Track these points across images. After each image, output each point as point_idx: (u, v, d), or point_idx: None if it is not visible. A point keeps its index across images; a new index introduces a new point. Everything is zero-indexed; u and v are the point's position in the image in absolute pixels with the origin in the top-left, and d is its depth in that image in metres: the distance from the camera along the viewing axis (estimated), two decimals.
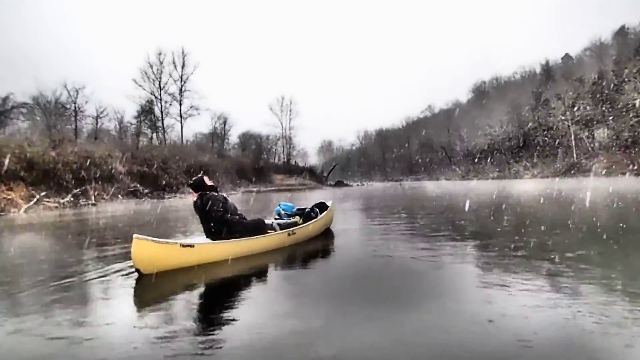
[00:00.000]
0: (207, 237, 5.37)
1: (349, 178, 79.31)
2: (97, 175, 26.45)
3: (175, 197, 30.08)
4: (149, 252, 4.43)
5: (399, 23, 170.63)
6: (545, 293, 3.36)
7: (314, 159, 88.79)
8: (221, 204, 5.33)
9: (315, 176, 61.74)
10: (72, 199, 22.77)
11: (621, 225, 6.62)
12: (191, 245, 4.76)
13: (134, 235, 4.40)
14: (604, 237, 5.58)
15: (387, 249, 5.35)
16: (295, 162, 65.30)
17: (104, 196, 25.55)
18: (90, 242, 7.15)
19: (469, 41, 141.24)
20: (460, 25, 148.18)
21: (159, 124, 48.45)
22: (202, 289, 4.05)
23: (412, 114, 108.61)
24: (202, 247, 4.89)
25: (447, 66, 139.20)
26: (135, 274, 4.44)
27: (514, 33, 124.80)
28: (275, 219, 6.57)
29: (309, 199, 19.93)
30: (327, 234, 7.02)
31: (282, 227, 6.05)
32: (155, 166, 32.80)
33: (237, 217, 5.48)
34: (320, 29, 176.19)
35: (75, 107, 40.22)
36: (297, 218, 6.54)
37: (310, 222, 6.47)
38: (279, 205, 6.85)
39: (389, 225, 7.85)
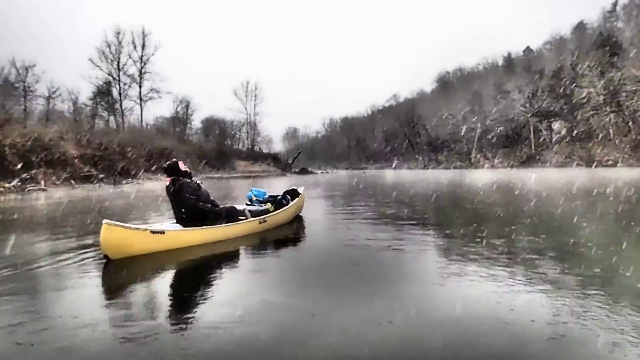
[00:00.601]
0: (177, 222, 5.36)
1: (313, 166, 79.48)
2: (48, 159, 25.30)
3: (133, 182, 29.13)
4: (119, 237, 4.38)
5: (366, 11, 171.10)
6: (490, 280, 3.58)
7: (278, 146, 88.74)
8: (194, 191, 5.32)
9: (280, 163, 61.59)
10: (19, 183, 21.54)
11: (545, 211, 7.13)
12: (162, 232, 4.74)
13: (104, 221, 4.34)
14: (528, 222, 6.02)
15: (354, 236, 5.48)
16: (260, 148, 65.03)
17: (55, 181, 24.44)
18: (40, 229, 6.92)
19: (436, 32, 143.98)
20: (427, 16, 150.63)
21: (117, 106, 46.82)
22: (171, 275, 4.06)
23: (377, 102, 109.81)
24: (173, 234, 4.87)
25: (414, 56, 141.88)
26: (101, 261, 4.38)
27: (479, 24, 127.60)
28: (247, 204, 6.61)
29: (272, 186, 19.97)
30: (297, 221, 7.12)
31: (253, 214, 6.09)
32: (111, 150, 31.64)
33: (210, 205, 5.48)
34: (288, 14, 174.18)
35: (24, 86, 38.08)
36: (268, 205, 6.59)
37: (281, 209, 6.55)
38: (251, 190, 6.86)
39: (354, 213, 8.04)
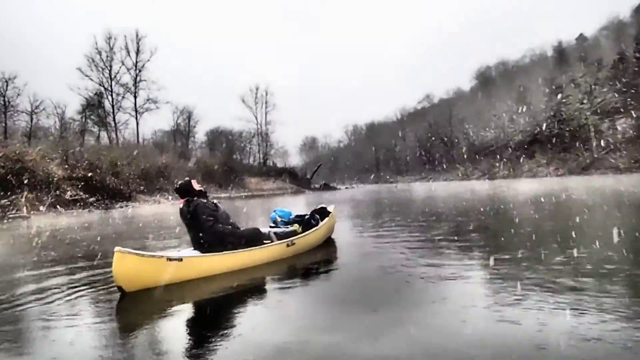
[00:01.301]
0: (195, 249, 5.49)
1: (336, 180, 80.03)
2: (31, 182, 25.54)
3: (127, 206, 29.67)
4: (133, 267, 4.51)
5: (390, 2, 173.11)
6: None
7: (295, 159, 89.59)
8: (211, 212, 5.47)
9: (297, 179, 62.31)
10: None
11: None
12: (179, 259, 4.87)
13: (116, 249, 4.51)
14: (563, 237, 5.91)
15: (393, 263, 5.46)
16: (273, 162, 65.95)
17: (39, 207, 24.69)
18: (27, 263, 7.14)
19: (472, 21, 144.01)
20: (462, 4, 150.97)
21: (109, 119, 48.07)
22: (190, 311, 4.14)
23: (408, 104, 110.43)
24: (191, 261, 5.00)
25: (448, 50, 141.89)
26: (113, 294, 4.52)
27: (523, 10, 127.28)
28: (271, 227, 6.73)
29: (290, 206, 20.11)
30: (328, 244, 7.19)
31: (279, 236, 6.20)
32: (103, 170, 32.16)
33: (230, 226, 5.62)
34: (300, 9, 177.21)
35: (4, 100, 39.24)
36: (295, 226, 6.71)
37: (310, 230, 6.65)
38: (274, 211, 7.00)
39: (390, 234, 8.05)
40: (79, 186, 29.15)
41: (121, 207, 29.05)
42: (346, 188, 62.45)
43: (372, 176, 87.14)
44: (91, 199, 28.65)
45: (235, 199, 37.89)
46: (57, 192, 27.14)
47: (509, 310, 3.42)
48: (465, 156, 68.62)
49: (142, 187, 35.36)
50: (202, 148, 61.05)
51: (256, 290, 4.67)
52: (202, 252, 5.33)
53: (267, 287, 4.80)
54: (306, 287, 4.72)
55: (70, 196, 27.70)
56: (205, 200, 5.58)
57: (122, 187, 32.52)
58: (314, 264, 5.84)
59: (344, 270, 5.40)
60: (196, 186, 5.63)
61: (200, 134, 61.58)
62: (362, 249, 6.61)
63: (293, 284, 4.85)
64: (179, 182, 5.68)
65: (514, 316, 3.29)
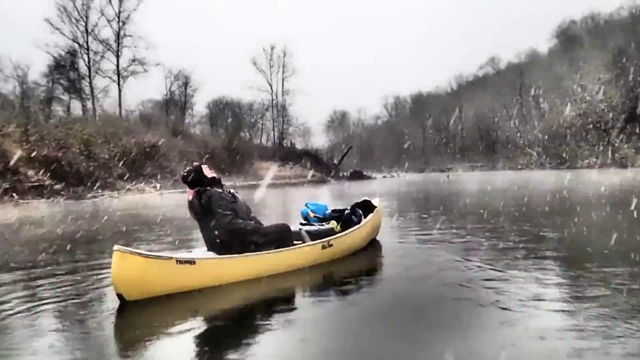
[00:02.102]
0: (209, 250, 5.67)
1: (371, 166, 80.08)
2: None
3: (104, 196, 29.91)
4: (136, 269, 4.67)
5: None
6: None
7: (319, 140, 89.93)
8: (229, 204, 5.65)
9: (321, 165, 63.00)
10: None
11: None
12: (191, 262, 5.02)
13: (115, 247, 4.67)
14: None
15: (455, 276, 5.41)
16: (292, 143, 66.99)
17: None
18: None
19: None
20: None
21: (84, 85, 48.47)
22: (205, 324, 4.27)
23: (466, 71, 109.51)
24: (205, 265, 5.16)
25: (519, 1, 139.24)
26: (115, 301, 4.70)
27: None
28: (302, 224, 6.88)
29: (311, 199, 20.24)
30: (373, 247, 7.30)
31: (312, 235, 6.35)
32: (74, 150, 32.26)
33: (252, 222, 5.78)
34: None
35: None
36: (333, 223, 6.84)
37: (351, 229, 6.76)
38: (306, 205, 7.17)
39: (449, 239, 8.07)
40: (43, 170, 28.77)
41: (96, 197, 29.20)
42: (384, 177, 62.40)
43: (418, 162, 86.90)
44: (58, 187, 28.48)
45: (241, 189, 38.30)
46: (15, 177, 26.84)
47: (594, 340, 3.41)
48: (539, 138, 67.66)
49: (123, 172, 35.67)
50: (202, 123, 61.95)
51: (283, 303, 4.76)
52: (219, 253, 5.50)
53: (297, 300, 4.93)
54: (345, 302, 4.79)
55: (32, 183, 27.47)
56: (220, 190, 5.75)
57: (97, 172, 32.59)
58: (355, 272, 5.95)
59: (392, 284, 5.43)
60: (208, 173, 5.82)
61: (199, 106, 62.38)
62: (414, 258, 6.62)
63: (328, 298, 4.97)
64: (187, 169, 5.89)
65: (601, 347, 3.29)
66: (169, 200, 26.77)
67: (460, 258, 6.36)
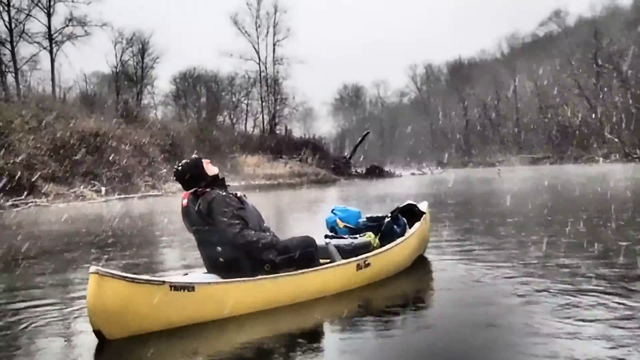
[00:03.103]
0: (209, 272, 5.81)
1: (395, 160, 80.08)
2: None
3: (28, 204, 29.26)
4: (119, 299, 4.74)
5: None
6: None
7: (325, 125, 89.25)
8: (236, 211, 5.73)
9: (328, 158, 63.07)
10: None
11: None
12: (189, 288, 5.11)
13: (92, 269, 4.73)
14: None
15: (531, 310, 5.35)
16: (287, 130, 66.84)
17: None
18: None
19: None
20: None
21: (4, 52, 48.05)
22: None
23: (522, 30, 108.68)
24: (207, 291, 5.26)
25: None
26: (91, 341, 4.82)
27: None
28: (328, 236, 7.00)
29: (313, 204, 20.29)
30: (420, 266, 7.46)
31: (344, 252, 6.47)
32: None
33: (267, 234, 5.90)
34: None
35: None
36: (369, 235, 6.96)
37: (393, 243, 6.88)
38: (333, 211, 7.30)
39: (518, 258, 8.14)
40: None
41: (16, 205, 28.32)
42: (412, 174, 62.46)
43: (457, 154, 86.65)
44: None
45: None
46: None
47: None
48: (622, 119, 66.99)
49: (55, 172, 34.77)
50: (165, 104, 61.84)
51: (308, 342, 4.85)
52: (224, 277, 5.62)
53: (325, 338, 5.05)
54: (385, 341, 4.79)
55: None
56: (224, 193, 5.85)
57: (18, 172, 31.21)
58: (398, 301, 6.09)
59: (446, 318, 5.40)
60: (210, 169, 5.96)
61: (162, 81, 62.35)
62: (474, 283, 6.61)
63: (364, 335, 4.96)
64: (183, 162, 6.01)
65: None
66: (119, 208, 26.71)
67: (534, 288, 6.24)
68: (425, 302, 6.22)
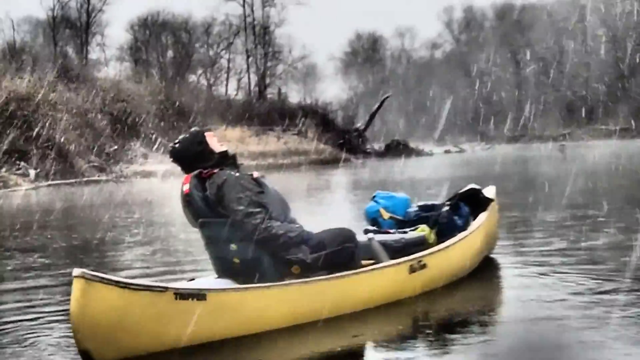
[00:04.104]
0: (220, 277, 5.97)
1: (424, 134, 79.92)
2: None
3: None
4: (111, 309, 4.86)
5: None
6: None
7: (332, 87, 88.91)
8: (254, 197, 5.80)
9: (334, 130, 63.62)
10: None
11: None
12: (199, 296, 5.22)
13: (76, 272, 4.83)
14: None
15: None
16: (282, 93, 67.26)
17: None
18: None
19: None
20: None
21: None
22: None
23: None
24: (223, 300, 5.37)
25: None
26: None
27: None
28: (369, 231, 7.10)
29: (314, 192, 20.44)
30: (488, 271, 7.60)
31: (391, 250, 6.58)
32: None
33: (295, 225, 6.04)
34: None
35: None
36: (423, 229, 7.06)
37: (454, 239, 6.99)
38: (375, 198, 7.43)
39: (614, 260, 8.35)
40: None
41: None
42: (447, 152, 62.55)
43: (507, 127, 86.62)
44: None
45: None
46: None
47: None
48: None
49: None
50: (120, 60, 61.72)
51: None
52: (240, 281, 5.74)
53: None
54: None
55: None
56: (237, 173, 5.95)
57: None
58: (462, 317, 6.14)
59: (523, 350, 5.43)
60: (216, 145, 6.10)
61: (116, 29, 62.18)
62: (556, 293, 6.76)
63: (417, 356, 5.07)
64: (180, 137, 6.17)
65: None
66: (56, 196, 27.25)
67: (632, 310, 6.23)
68: (495, 320, 6.24)
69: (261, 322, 5.52)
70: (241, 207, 5.72)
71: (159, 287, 5.21)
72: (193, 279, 6.26)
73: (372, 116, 68.79)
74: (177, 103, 53.79)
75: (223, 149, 6.13)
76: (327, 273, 5.93)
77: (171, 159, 6.20)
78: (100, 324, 4.85)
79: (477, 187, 8.20)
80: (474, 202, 7.84)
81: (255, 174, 6.15)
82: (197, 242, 6.56)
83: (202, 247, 6.22)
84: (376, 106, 69.99)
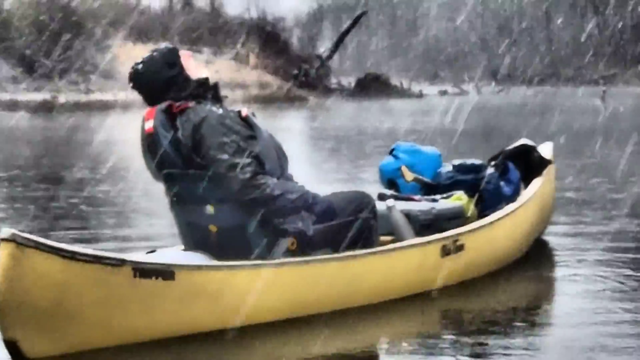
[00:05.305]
0: (189, 248, 6.08)
1: (409, 69, 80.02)
2: None
3: None
4: (49, 286, 4.93)
5: None
6: None
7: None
8: (243, 141, 5.84)
9: (288, 56, 63.84)
10: None
11: None
12: (166, 273, 5.31)
13: (4, 232, 4.82)
14: None
15: None
16: (214, 1, 65.44)
17: None
18: None
19: None
20: None
21: None
22: None
23: None
24: (195, 280, 5.45)
25: None
26: None
27: None
28: (385, 197, 7.17)
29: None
30: (538, 255, 7.76)
31: (417, 222, 6.76)
32: None
33: (298, 186, 6.16)
34: None
35: None
36: (460, 197, 7.19)
37: (502, 212, 7.12)
38: (393, 151, 7.57)
39: None
40: None
41: None
42: (442, 94, 62.74)
43: (528, 62, 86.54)
44: None
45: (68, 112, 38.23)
46: None
47: None
48: None
49: None
50: None
51: None
52: (216, 256, 5.83)
53: None
54: None
55: None
56: (219, 109, 6.00)
57: None
58: (508, 318, 6.24)
59: (579, 347, 5.59)
60: (193, 68, 6.21)
61: None
62: (629, 298, 6.99)
63: None
64: (145, 57, 6.16)
65: None
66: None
67: None
68: (545, 322, 6.37)
69: (245, 313, 5.54)
70: (225, 156, 5.73)
71: (114, 259, 5.20)
72: (153, 251, 6.23)
73: (341, 39, 68.10)
74: (64, 11, 53.24)
75: (203, 75, 6.14)
76: (332, 251, 6.04)
77: (130, 85, 6.11)
78: (33, 306, 4.87)
79: (530, 143, 8.28)
80: (524, 164, 7.94)
81: (244, 111, 6.12)
82: (160, 200, 6.60)
83: (166, 208, 6.27)
84: (347, 25, 69.56)
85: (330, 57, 65.26)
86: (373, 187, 8.15)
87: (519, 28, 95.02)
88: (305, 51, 64.85)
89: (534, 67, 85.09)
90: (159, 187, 6.24)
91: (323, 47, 67.53)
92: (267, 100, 50.82)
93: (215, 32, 60.79)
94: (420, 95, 58.91)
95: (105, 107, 41.71)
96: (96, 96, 48.01)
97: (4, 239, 4.74)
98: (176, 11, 62.46)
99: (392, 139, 21.58)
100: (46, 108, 42.04)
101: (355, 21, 68.78)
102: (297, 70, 60.64)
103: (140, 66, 6.04)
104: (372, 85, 59.54)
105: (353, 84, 60.68)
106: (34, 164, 16.90)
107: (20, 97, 45.05)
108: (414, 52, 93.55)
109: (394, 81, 63.83)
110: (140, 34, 58.18)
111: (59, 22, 51.89)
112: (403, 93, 59.57)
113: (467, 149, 14.85)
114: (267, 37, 62.69)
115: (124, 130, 25.50)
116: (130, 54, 56.00)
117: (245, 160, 5.76)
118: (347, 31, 68.10)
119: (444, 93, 66.34)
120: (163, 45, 6.29)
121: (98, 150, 15.55)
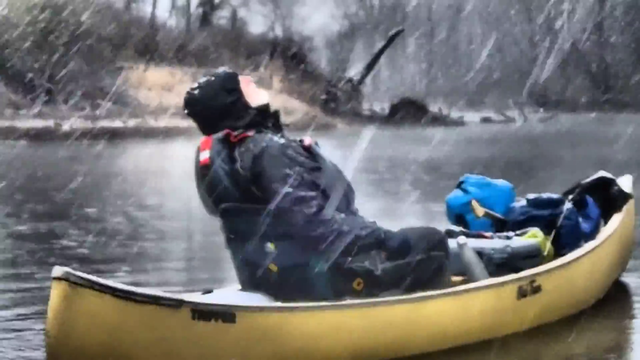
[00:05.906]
0: (246, 288, 6.20)
1: (449, 94, 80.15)
2: None
3: None
4: (103, 324, 4.97)
5: None
6: None
7: (316, 15, 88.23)
8: (306, 175, 5.92)
9: (315, 79, 63.81)
10: None
11: None
12: (227, 316, 5.41)
13: (56, 271, 4.96)
14: None
15: None
16: (237, 18, 65.37)
17: None
18: None
19: None
20: None
21: None
22: None
23: None
24: (258, 322, 5.55)
25: None
26: None
27: None
28: (454, 233, 7.25)
29: None
30: (617, 298, 7.83)
31: (490, 261, 6.84)
32: None
33: (369, 221, 6.22)
34: None
35: None
36: (536, 234, 7.24)
37: (581, 251, 7.13)
38: (462, 184, 7.66)
39: None
40: None
41: None
42: (484, 121, 62.82)
43: (581, 86, 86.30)
44: None
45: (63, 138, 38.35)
46: None
47: None
48: None
49: None
50: None
51: None
52: (276, 297, 5.94)
53: None
54: None
55: None
56: (281, 139, 6.10)
57: None
58: None
59: None
60: (254, 95, 6.32)
61: None
62: None
63: None
64: (202, 82, 6.33)
65: None
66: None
67: None
68: None
69: (308, 357, 5.69)
70: (288, 189, 5.77)
71: (172, 300, 5.32)
72: (210, 291, 6.30)
73: (374, 61, 68.19)
74: (72, 29, 53.54)
75: (263, 101, 6.21)
76: (401, 292, 6.10)
77: (186, 111, 6.27)
78: (86, 349, 4.98)
79: (608, 175, 8.29)
80: (602, 198, 7.98)
81: (307, 140, 6.21)
82: (216, 236, 6.64)
83: (222, 245, 6.31)
84: (381, 46, 69.60)
85: (362, 80, 65.28)
86: (420, 223, 8.09)
87: (572, 52, 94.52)
88: (335, 74, 64.45)
89: (584, 90, 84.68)
90: (215, 222, 6.29)
91: (354, 70, 67.27)
92: (294, 127, 50.32)
93: (236, 52, 60.68)
94: (461, 123, 58.54)
95: (113, 135, 40.70)
96: (104, 123, 47.57)
97: (56, 277, 4.83)
98: (194, 29, 62.28)
99: (436, 171, 21.88)
100: (48, 136, 41.86)
101: (390, 41, 68.81)
102: (325, 95, 60.47)
103: (196, 91, 6.16)
104: (408, 111, 59.32)
105: (387, 110, 60.38)
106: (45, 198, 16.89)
107: (19, 123, 44.52)
108: (455, 75, 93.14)
109: (432, 107, 63.62)
110: (153, 54, 58.09)
111: (63, 41, 51.88)
112: (442, 120, 59.23)
113: (533, 183, 14.90)
114: (293, 58, 62.56)
115: (138, 161, 25.66)
116: (142, 76, 56.24)
117: (309, 193, 5.82)
118: (381, 52, 68.09)
119: (486, 120, 66.25)
120: (221, 69, 6.37)
121: (123, 184, 15.46)
